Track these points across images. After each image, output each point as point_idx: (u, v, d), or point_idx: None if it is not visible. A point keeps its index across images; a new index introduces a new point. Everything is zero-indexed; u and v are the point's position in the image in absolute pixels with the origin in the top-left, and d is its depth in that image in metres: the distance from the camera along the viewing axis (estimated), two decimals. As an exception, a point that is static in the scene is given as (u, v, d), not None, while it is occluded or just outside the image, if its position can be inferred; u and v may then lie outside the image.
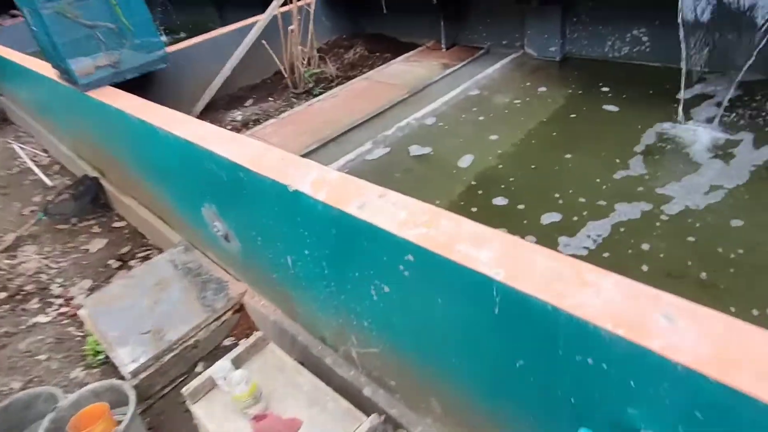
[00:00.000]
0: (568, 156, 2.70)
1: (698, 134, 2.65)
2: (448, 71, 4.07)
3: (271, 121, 3.80)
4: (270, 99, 4.44)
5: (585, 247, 2.10)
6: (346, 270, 1.75)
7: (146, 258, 3.79)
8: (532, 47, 3.97)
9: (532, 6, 3.71)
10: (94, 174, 4.34)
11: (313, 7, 4.14)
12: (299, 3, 4.11)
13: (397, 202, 1.52)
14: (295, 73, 4.31)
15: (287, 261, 2.11)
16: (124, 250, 3.91)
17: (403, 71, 4.29)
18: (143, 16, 3.62)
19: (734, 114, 2.73)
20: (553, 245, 2.13)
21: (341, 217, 1.55)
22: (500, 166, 2.76)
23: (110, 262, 3.83)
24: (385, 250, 1.47)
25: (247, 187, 2.01)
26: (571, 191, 2.43)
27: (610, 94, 3.18)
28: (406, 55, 4.66)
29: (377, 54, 5.00)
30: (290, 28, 4.06)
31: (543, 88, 3.45)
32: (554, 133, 2.93)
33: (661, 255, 2.00)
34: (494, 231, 1.30)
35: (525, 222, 2.31)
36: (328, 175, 1.72)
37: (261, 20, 4.43)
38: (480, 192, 2.58)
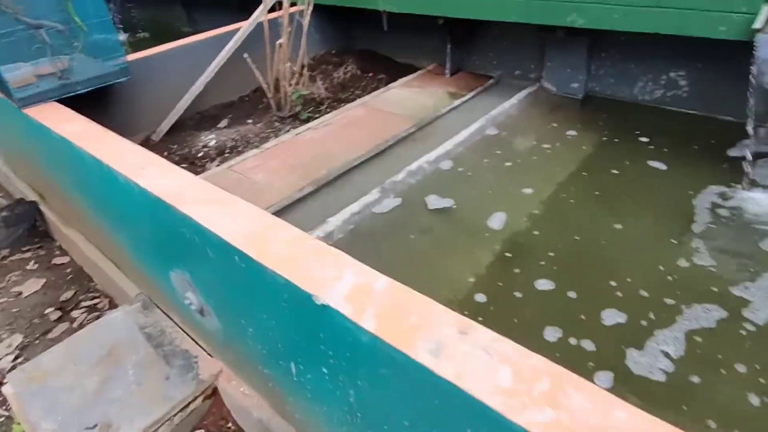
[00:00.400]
0: (618, 227, 2.27)
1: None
2: (457, 102, 3.62)
3: (253, 151, 3.22)
4: (249, 121, 3.84)
5: (662, 370, 1.66)
6: (389, 415, 1.23)
7: (93, 308, 3.12)
8: (551, 82, 3.59)
9: (556, 36, 3.32)
10: (32, 197, 3.61)
11: (307, 17, 3.59)
12: (291, 9, 3.56)
13: (492, 347, 1.01)
14: (280, 93, 3.74)
15: (290, 367, 1.57)
16: (67, 295, 3.21)
17: (405, 98, 3.81)
18: (101, 17, 2.98)
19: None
20: (619, 360, 1.69)
21: (406, 365, 1.03)
22: (537, 233, 2.31)
23: (48, 311, 3.13)
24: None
25: (244, 275, 1.46)
26: (629, 279, 1.99)
27: (651, 146, 2.80)
28: (405, 78, 4.18)
29: (370, 74, 4.50)
30: (279, 42, 3.50)
31: (572, 132, 3.05)
32: (596, 192, 2.51)
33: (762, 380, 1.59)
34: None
35: (583, 318, 1.85)
36: (370, 280, 1.20)
37: (243, 28, 3.84)
38: (518, 269, 2.11)
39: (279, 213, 2.59)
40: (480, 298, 1.95)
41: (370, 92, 4.22)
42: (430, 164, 2.88)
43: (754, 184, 2.39)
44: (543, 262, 2.13)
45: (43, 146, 2.74)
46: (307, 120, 3.71)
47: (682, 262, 2.06)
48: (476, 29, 3.88)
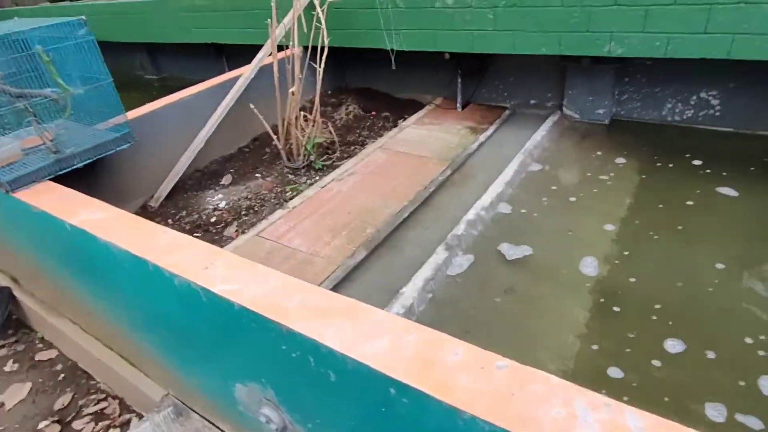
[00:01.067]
0: (720, 266, 2.12)
1: None
2: (482, 138, 3.45)
3: (279, 212, 2.88)
4: (257, 175, 3.50)
5: None
6: None
7: (101, 415, 2.62)
8: (574, 108, 3.50)
9: (581, 65, 3.24)
10: (3, 282, 3.08)
11: (323, 62, 3.32)
12: (289, 52, 3.28)
13: None
14: (291, 142, 3.43)
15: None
16: (62, 401, 2.67)
17: (424, 137, 3.61)
18: (97, 75, 2.58)
19: None
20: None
21: None
22: (634, 279, 2.12)
23: (43, 425, 2.58)
24: None
25: (406, 412, 1.14)
26: (762, 336, 1.82)
27: (708, 170, 2.73)
28: (416, 116, 3.99)
29: (373, 113, 4.28)
30: (291, 90, 3.22)
31: (621, 160, 2.94)
32: (679, 227, 2.38)
33: None
34: None
35: (741, 386, 1.65)
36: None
37: (245, 75, 3.53)
38: (637, 326, 1.90)
39: (339, 287, 2.28)
40: (614, 372, 1.73)
41: (377, 132, 4.00)
42: (487, 210, 2.66)
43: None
44: (655, 317, 1.94)
45: (31, 228, 2.30)
46: (322, 169, 3.42)
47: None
48: (487, 60, 3.77)
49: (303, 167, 3.46)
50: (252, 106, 3.30)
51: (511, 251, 2.36)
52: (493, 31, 3.17)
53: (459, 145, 3.41)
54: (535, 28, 3.00)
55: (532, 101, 3.75)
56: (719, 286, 2.02)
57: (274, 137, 3.41)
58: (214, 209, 3.15)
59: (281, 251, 2.54)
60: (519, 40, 3.10)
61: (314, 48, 3.36)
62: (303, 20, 3.47)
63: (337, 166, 3.48)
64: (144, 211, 3.27)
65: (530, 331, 1.94)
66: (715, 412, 1.57)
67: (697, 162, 2.81)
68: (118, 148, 2.65)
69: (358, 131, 4.03)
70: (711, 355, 1.75)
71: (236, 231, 2.89)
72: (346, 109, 4.30)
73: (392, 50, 3.68)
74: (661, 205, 2.51)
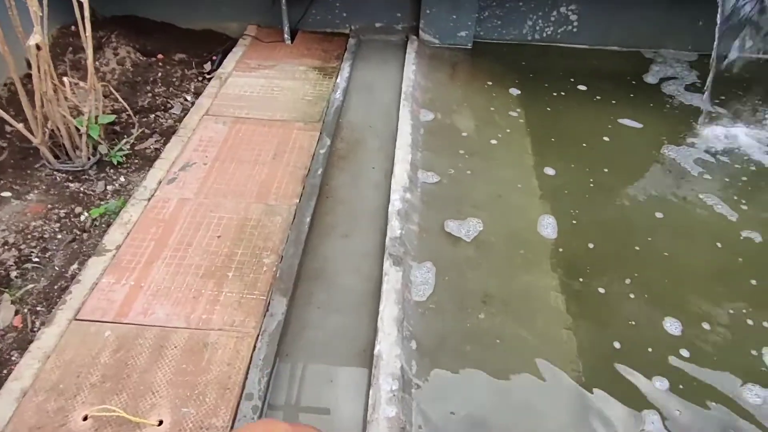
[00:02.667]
0: (659, 215, 2.00)
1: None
2: (341, 82, 2.65)
3: (93, 262, 1.69)
4: (6, 194, 2.04)
5: None
6: None
7: None
8: (433, 32, 2.95)
9: (444, -22, 2.65)
10: None
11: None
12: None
13: None
14: (55, 129, 2.05)
15: None
16: None
17: (263, 89, 2.61)
18: None
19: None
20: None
21: None
22: (593, 245, 1.87)
23: None
24: None
25: None
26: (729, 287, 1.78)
27: (598, 97, 2.59)
28: (233, 56, 2.86)
29: (159, 56, 2.95)
30: (35, 42, 1.78)
31: (515, 91, 2.59)
32: (605, 169, 2.19)
33: None
34: None
35: (754, 355, 1.57)
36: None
37: None
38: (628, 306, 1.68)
39: (276, 383, 1.44)
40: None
41: (180, 87, 2.79)
42: (411, 189, 2.03)
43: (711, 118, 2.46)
44: (638, 284, 1.74)
45: None
46: (123, 163, 2.19)
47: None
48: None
49: (91, 166, 2.15)
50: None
51: (463, 229, 1.86)
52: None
53: (317, 97, 2.57)
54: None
55: (378, 24, 3.05)
56: (670, 243, 1.92)
57: (15, 124, 1.96)
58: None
59: (138, 342, 1.49)
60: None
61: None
62: None
63: (145, 155, 2.28)
64: None
65: (534, 342, 1.55)
66: (754, 395, 1.47)
67: (582, 87, 2.66)
68: None
69: (147, 88, 2.73)
70: (707, 326, 1.65)
71: (19, 316, 1.63)
72: (115, 53, 2.85)
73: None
74: (584, 144, 2.30)
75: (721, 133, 2.39)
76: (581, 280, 1.75)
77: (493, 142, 2.34)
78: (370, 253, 1.83)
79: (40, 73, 1.87)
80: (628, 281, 1.76)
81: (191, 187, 2.02)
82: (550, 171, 2.18)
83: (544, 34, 2.99)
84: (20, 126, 1.95)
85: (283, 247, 1.80)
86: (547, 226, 1.94)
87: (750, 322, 1.64)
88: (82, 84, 2.05)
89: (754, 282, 1.76)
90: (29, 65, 1.99)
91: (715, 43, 2.24)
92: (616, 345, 1.56)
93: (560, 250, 1.85)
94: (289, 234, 1.85)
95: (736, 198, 2.08)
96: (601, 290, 1.72)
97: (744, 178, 2.19)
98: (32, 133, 2.01)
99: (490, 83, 2.71)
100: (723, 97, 2.58)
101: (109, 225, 1.86)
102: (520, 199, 2.05)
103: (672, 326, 1.62)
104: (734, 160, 2.29)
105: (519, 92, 2.63)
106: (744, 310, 1.67)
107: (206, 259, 1.74)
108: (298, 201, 1.98)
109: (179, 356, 1.45)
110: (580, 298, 1.69)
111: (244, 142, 2.26)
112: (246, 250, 1.79)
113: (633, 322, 1.63)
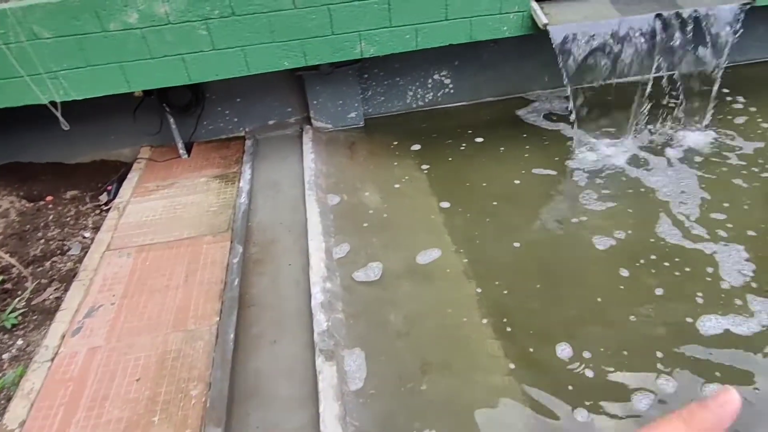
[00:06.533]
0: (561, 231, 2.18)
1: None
2: (244, 185, 2.67)
3: (-5, 448, 1.51)
4: None
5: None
6: None
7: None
8: (324, 119, 3.08)
9: (322, 71, 2.81)
10: None
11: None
12: None
13: None
14: (-66, 308, 1.87)
15: None
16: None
17: (166, 210, 2.56)
18: None
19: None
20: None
21: None
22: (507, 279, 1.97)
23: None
24: None
25: None
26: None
27: (502, 148, 2.78)
28: (129, 183, 2.81)
29: (48, 198, 2.84)
30: None
31: (426, 166, 2.72)
32: (513, 207, 2.34)
33: None
34: None
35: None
36: None
37: None
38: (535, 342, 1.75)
39: None
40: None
41: (76, 225, 2.68)
42: (330, 278, 2.03)
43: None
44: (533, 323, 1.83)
45: None
46: (20, 324, 2.03)
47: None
48: (200, 86, 2.91)
49: (-18, 337, 1.96)
50: None
51: (393, 318, 1.86)
52: (212, 51, 2.38)
53: (222, 205, 2.56)
54: (269, 39, 2.39)
55: (271, 121, 3.15)
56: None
57: None
58: None
59: None
60: (252, 57, 2.42)
61: None
62: None
63: (45, 308, 2.12)
64: None
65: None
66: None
67: (479, 139, 2.87)
68: None
69: (39, 235, 2.59)
70: (587, 355, 1.75)
71: None
72: (-2, 206, 2.70)
73: (54, 104, 2.40)
74: (484, 183, 2.47)
75: (593, 154, 2.68)
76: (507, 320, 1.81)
77: (402, 209, 2.44)
78: (301, 353, 1.78)
79: None
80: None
81: (100, 332, 1.89)
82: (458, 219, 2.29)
83: (426, 100, 3.23)
84: None
85: (210, 373, 1.71)
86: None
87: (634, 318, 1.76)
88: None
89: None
90: None
91: (566, 81, 2.53)
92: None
93: (488, 298, 1.91)
94: (213, 357, 1.76)
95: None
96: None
97: (618, 186, 2.44)
98: None
99: (388, 153, 2.86)
100: (589, 122, 2.90)
101: (9, 399, 1.69)
102: (446, 264, 2.12)
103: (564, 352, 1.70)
104: (608, 173, 2.55)
105: (417, 157, 2.79)
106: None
107: (126, 410, 1.61)
108: (218, 319, 1.91)
109: None
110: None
111: (153, 270, 2.17)
112: (170, 387, 1.68)
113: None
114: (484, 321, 1.84)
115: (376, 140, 3.02)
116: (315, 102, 3.01)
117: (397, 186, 2.60)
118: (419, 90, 3.18)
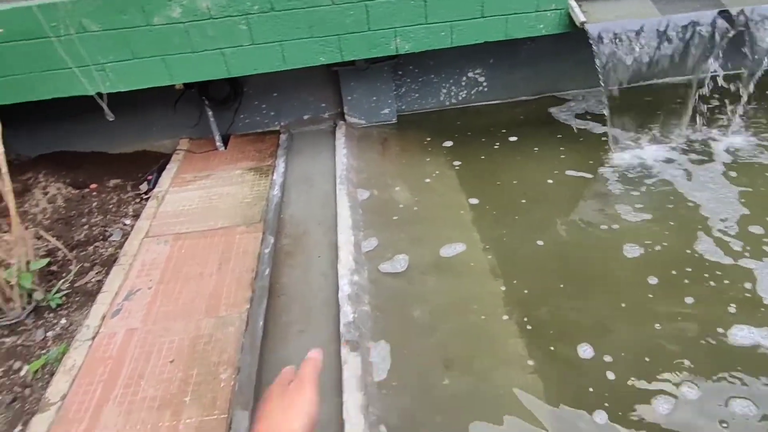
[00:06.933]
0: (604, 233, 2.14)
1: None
2: (277, 178, 2.73)
3: (37, 421, 1.59)
4: (-62, 363, 1.93)
5: None
6: None
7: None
8: (358, 115, 3.12)
9: (357, 67, 2.84)
10: None
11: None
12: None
13: None
14: (-12, 285, 1.99)
15: None
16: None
17: (202, 200, 2.64)
18: None
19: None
20: None
21: None
22: (534, 280, 1.95)
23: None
24: None
25: None
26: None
27: (536, 149, 2.74)
28: (168, 173, 2.91)
29: (92, 186, 2.97)
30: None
31: (458, 162, 2.71)
32: (544, 208, 2.32)
33: None
34: None
35: None
36: None
37: None
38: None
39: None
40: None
41: (117, 213, 2.79)
42: (359, 271, 2.06)
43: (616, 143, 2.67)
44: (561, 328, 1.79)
45: None
46: (64, 305, 2.13)
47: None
48: (239, 80, 2.99)
49: (27, 315, 2.07)
50: None
51: (418, 312, 1.87)
52: (251, 45, 2.44)
53: (256, 197, 2.62)
54: (307, 35, 2.43)
55: (306, 116, 3.20)
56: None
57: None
58: None
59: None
60: (289, 52, 2.47)
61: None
62: None
63: (87, 290, 2.22)
64: None
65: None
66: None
67: (513, 138, 2.84)
68: None
69: (83, 220, 2.71)
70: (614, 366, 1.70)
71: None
72: (44, 192, 2.84)
73: (100, 95, 2.51)
74: (515, 182, 2.45)
75: (629, 156, 2.60)
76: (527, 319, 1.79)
77: (431, 205, 2.44)
78: (328, 342, 1.81)
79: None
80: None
81: (137, 315, 1.97)
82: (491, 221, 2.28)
83: (460, 98, 3.22)
84: (-52, 289, 1.89)
85: (239, 358, 1.76)
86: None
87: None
88: (6, 237, 2.02)
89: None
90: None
91: (602, 81, 2.47)
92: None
93: (511, 295, 1.90)
94: (243, 342, 1.81)
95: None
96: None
97: (654, 191, 2.37)
98: (-38, 294, 1.94)
99: (419, 149, 2.86)
100: (625, 123, 2.82)
101: (52, 374, 1.78)
102: (472, 260, 2.11)
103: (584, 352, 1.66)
104: (644, 177, 2.47)
105: (449, 154, 2.78)
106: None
107: (160, 389, 1.68)
108: (248, 306, 1.96)
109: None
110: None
111: (188, 257, 2.25)
112: (201, 370, 1.73)
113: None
114: (506, 318, 1.83)
115: (408, 137, 3.03)
116: (349, 98, 3.05)
117: (427, 181, 2.61)
118: (453, 87, 3.17)
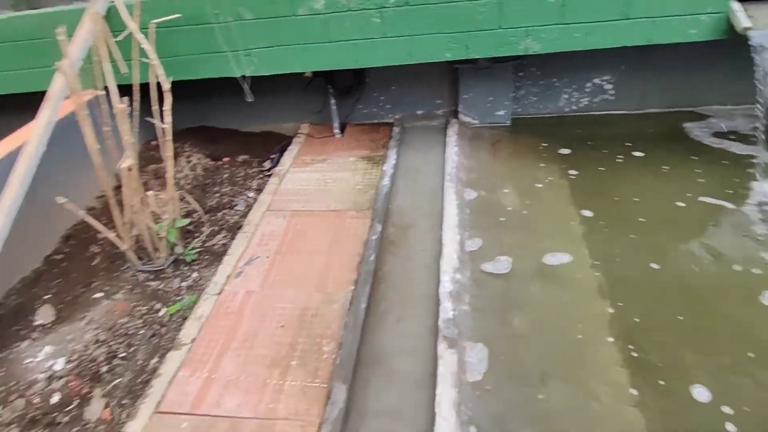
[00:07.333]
0: (737, 268, 1.95)
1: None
2: (387, 169, 2.84)
3: (171, 356, 1.85)
4: (98, 295, 2.30)
5: None
6: None
7: None
8: (472, 114, 3.13)
9: (478, 66, 2.85)
10: None
11: (169, 109, 2.26)
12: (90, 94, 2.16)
13: None
14: (138, 234, 2.33)
15: None
16: None
17: (317, 182, 2.83)
18: None
19: None
20: None
21: None
22: (655, 309, 1.83)
23: None
24: None
25: None
26: None
27: (665, 167, 2.56)
28: (290, 154, 3.15)
29: (225, 159, 3.29)
30: (126, 165, 2.11)
31: (573, 172, 2.64)
32: (669, 231, 2.17)
33: None
34: None
35: None
36: None
37: (30, 145, 2.23)
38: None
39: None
40: None
41: (243, 185, 3.07)
42: (461, 270, 2.10)
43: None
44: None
45: None
46: (195, 261, 2.41)
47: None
48: (363, 71, 3.13)
49: (168, 265, 2.39)
50: (64, 200, 2.09)
51: (518, 320, 1.86)
52: (382, 39, 2.55)
53: (367, 185, 2.75)
54: (436, 30, 2.49)
55: (420, 111, 3.28)
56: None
57: (107, 233, 2.25)
58: (50, 377, 1.93)
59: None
60: (417, 47, 2.55)
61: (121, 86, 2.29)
62: (109, 49, 2.35)
63: (215, 251, 2.49)
64: None
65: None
66: None
67: (638, 153, 2.68)
68: None
69: (216, 189, 3.03)
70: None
71: (108, 409, 1.78)
72: (188, 160, 3.21)
73: (245, 77, 2.78)
74: (636, 199, 2.32)
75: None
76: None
77: (540, 211, 2.39)
78: (424, 335, 1.88)
79: (130, 190, 2.17)
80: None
81: (256, 280, 2.18)
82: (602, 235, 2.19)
83: (581, 105, 3.09)
84: (111, 235, 2.23)
85: (342, 334, 1.88)
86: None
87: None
88: (161, 195, 2.33)
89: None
90: (117, 179, 2.31)
91: (759, 98, 2.23)
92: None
93: (619, 318, 1.82)
94: (346, 321, 1.93)
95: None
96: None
97: None
98: (121, 239, 2.29)
99: (533, 154, 2.81)
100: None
101: (184, 319, 2.04)
102: (578, 273, 2.05)
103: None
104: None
105: (565, 162, 2.70)
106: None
107: (271, 349, 1.86)
108: (353, 288, 2.08)
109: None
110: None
111: (302, 234, 2.44)
112: (307, 339, 1.89)
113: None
114: (611, 340, 1.76)
115: (521, 140, 2.98)
116: (465, 96, 3.06)
117: (538, 186, 2.55)
118: (575, 93, 3.05)
